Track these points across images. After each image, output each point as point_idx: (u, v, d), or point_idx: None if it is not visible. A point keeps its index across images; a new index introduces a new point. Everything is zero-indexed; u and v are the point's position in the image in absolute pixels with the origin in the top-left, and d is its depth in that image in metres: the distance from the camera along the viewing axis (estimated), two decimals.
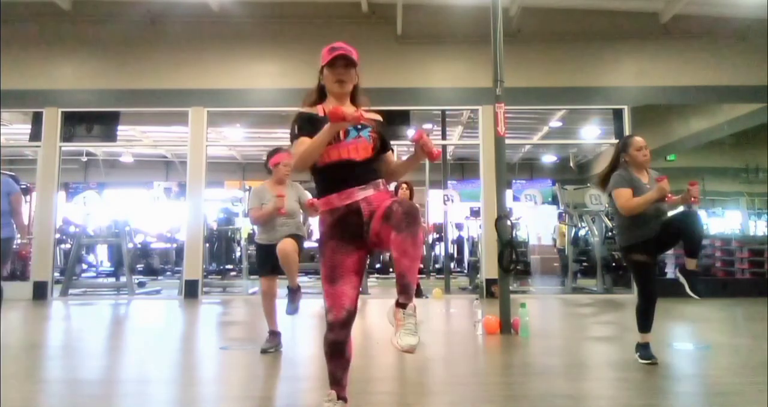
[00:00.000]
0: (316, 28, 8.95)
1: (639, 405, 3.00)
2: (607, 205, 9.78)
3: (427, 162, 13.19)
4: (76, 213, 10.33)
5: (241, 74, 9.08)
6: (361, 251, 2.43)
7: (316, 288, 8.23)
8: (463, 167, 17.07)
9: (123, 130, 11.27)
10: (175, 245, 12.03)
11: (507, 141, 5.71)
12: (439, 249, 13.79)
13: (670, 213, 3.86)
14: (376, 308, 7.58)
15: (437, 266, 13.31)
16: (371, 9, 8.92)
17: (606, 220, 9.87)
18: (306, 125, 2.43)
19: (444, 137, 11.03)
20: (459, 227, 13.75)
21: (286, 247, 4.08)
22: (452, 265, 12.71)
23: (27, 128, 9.60)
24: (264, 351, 4.26)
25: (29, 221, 8.94)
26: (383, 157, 2.57)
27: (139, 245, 11.55)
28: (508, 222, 5.78)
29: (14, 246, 4.59)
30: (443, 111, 10.44)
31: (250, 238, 11.07)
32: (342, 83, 2.49)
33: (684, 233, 3.68)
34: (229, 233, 11.61)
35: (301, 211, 4.45)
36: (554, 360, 4.16)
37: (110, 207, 10.70)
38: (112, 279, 10.77)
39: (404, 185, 6.54)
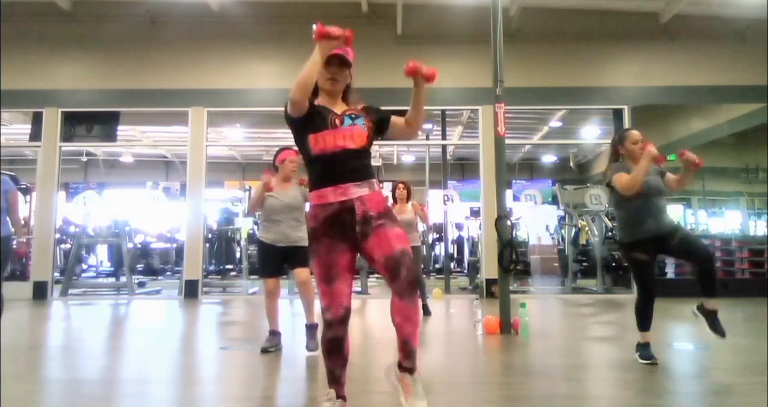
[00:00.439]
0: None
1: (639, 405, 3.00)
2: (607, 204, 9.79)
3: (427, 162, 13.22)
4: (76, 213, 10.33)
5: (241, 74, 9.08)
6: (352, 250, 2.44)
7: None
8: (463, 167, 17.07)
9: (123, 130, 11.26)
10: (175, 245, 12.03)
11: (507, 141, 5.71)
12: (439, 249, 13.79)
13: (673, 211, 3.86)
14: (376, 308, 7.58)
15: (437, 266, 13.31)
16: (371, 9, 8.93)
17: (606, 220, 9.87)
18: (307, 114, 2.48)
19: (444, 137, 11.04)
20: (459, 227, 13.76)
21: (306, 278, 4.18)
22: (452, 265, 12.71)
23: (27, 128, 9.59)
24: (264, 351, 4.26)
25: (27, 220, 8.93)
26: (391, 123, 2.59)
27: (139, 245, 11.54)
28: (508, 222, 5.78)
29: (13, 245, 4.56)
30: (443, 111, 10.43)
31: (250, 238, 11.09)
32: (334, 81, 2.52)
33: (702, 276, 3.66)
34: (229, 233, 11.60)
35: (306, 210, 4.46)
36: (554, 360, 4.16)
37: (110, 207, 10.70)
38: (112, 279, 10.77)
39: (401, 185, 6.54)
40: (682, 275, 9.46)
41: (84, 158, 15.33)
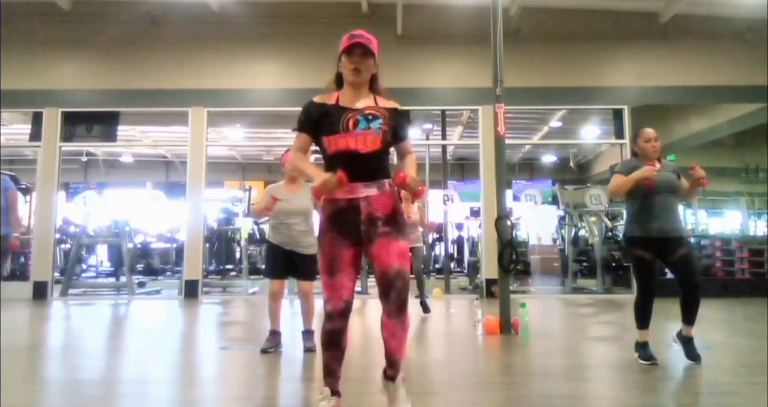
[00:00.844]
0: (316, 28, 8.95)
1: (639, 405, 3.00)
2: (607, 204, 9.80)
3: (427, 162, 13.21)
4: (76, 213, 10.33)
5: (240, 74, 9.08)
6: (357, 246, 2.46)
7: (316, 289, 8.20)
8: (463, 167, 17.07)
9: (123, 130, 11.26)
10: (175, 245, 12.03)
11: (507, 141, 5.71)
12: (439, 249, 13.79)
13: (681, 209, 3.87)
14: (376, 308, 7.56)
15: (437, 266, 13.31)
16: (371, 9, 8.93)
17: (606, 220, 9.86)
18: (307, 121, 2.47)
19: (444, 137, 11.04)
20: (459, 227, 13.75)
21: (309, 291, 4.31)
22: (452, 265, 12.71)
23: (27, 128, 9.60)
24: (264, 351, 4.26)
25: (28, 220, 8.94)
26: (397, 146, 2.55)
27: (139, 245, 11.55)
28: (508, 222, 5.78)
29: (16, 241, 4.60)
30: (443, 111, 10.43)
31: (251, 238, 11.09)
32: (357, 72, 2.43)
33: (686, 302, 3.76)
34: (229, 233, 11.60)
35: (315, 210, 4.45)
36: (554, 360, 4.16)
37: (110, 207, 10.70)
38: (112, 279, 10.77)
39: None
40: None
41: (84, 158, 15.33)
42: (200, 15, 8.91)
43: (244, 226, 11.22)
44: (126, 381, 3.72)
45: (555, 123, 12.53)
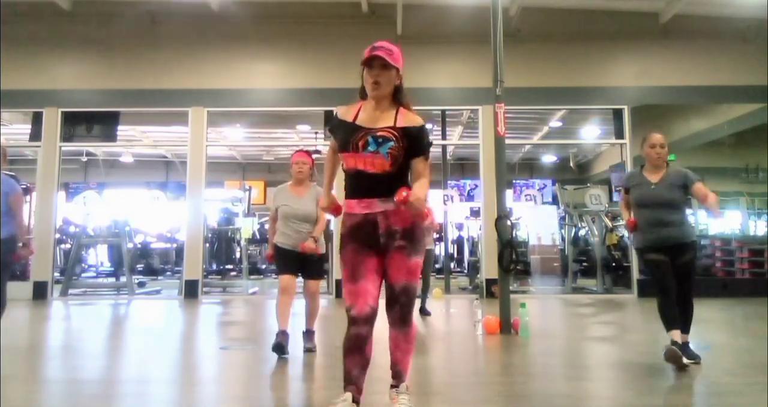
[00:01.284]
0: (316, 28, 8.95)
1: (639, 405, 3.00)
2: (606, 205, 9.80)
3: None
4: (76, 213, 10.34)
5: (240, 74, 9.08)
6: (379, 256, 2.47)
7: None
8: (463, 167, 17.06)
9: (123, 130, 11.26)
10: (175, 245, 12.03)
11: (507, 141, 5.71)
12: (439, 249, 13.78)
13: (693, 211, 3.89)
14: (382, 311, 7.55)
15: (437, 266, 13.29)
16: (371, 9, 8.92)
17: (606, 220, 9.86)
18: (332, 129, 2.57)
19: (444, 137, 11.03)
20: (459, 227, 13.74)
21: (315, 290, 4.32)
22: (452, 265, 12.70)
23: (27, 128, 9.60)
24: (277, 348, 4.08)
25: (28, 220, 8.91)
26: (411, 163, 2.46)
27: (139, 245, 11.55)
28: (508, 222, 5.78)
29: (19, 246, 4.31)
30: (443, 111, 10.42)
31: (252, 238, 11.08)
32: (377, 85, 2.41)
33: (684, 312, 3.76)
34: (229, 233, 11.61)
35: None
36: (554, 360, 4.16)
37: (110, 207, 10.70)
38: (112, 279, 10.77)
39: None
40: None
41: (84, 158, 15.30)
42: (200, 15, 8.90)
43: (244, 226, 11.22)
44: (126, 381, 3.72)
45: (555, 123, 12.53)
